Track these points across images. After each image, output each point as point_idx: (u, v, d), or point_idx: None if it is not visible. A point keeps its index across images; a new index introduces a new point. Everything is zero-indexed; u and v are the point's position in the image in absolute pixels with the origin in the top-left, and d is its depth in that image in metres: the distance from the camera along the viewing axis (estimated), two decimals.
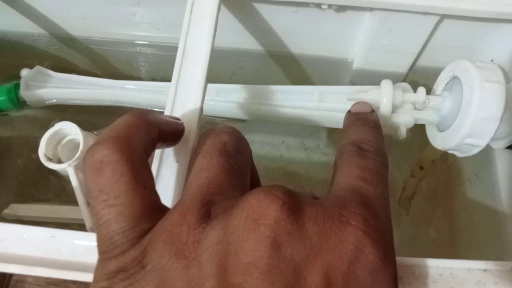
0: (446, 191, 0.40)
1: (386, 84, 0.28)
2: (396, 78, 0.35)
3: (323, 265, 0.14)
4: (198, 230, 0.14)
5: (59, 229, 0.21)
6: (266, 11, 0.32)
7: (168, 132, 0.19)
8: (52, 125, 0.31)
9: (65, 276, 0.20)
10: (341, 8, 0.31)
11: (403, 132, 0.29)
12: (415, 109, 0.29)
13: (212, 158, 0.17)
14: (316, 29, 0.34)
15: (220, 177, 0.17)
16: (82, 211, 0.30)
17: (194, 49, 0.25)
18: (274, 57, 0.38)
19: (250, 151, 0.19)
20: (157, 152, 0.22)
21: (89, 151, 0.15)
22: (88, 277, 0.19)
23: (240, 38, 0.36)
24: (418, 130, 0.30)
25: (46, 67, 0.37)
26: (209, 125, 0.42)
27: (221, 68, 0.39)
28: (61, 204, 0.35)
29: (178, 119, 0.21)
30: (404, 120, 0.28)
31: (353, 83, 0.38)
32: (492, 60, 0.33)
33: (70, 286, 0.43)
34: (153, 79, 0.41)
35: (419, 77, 0.37)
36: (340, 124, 0.23)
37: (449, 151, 0.28)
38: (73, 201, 0.31)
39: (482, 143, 0.26)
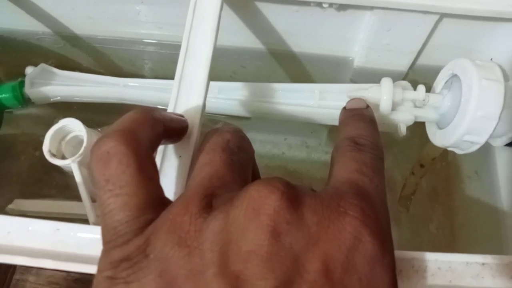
0: (446, 188, 0.41)
1: (386, 82, 0.29)
2: (396, 77, 0.35)
3: (321, 253, 0.14)
4: (200, 220, 0.15)
5: (64, 222, 0.21)
6: (267, 10, 0.33)
7: (172, 128, 0.20)
8: (56, 122, 0.32)
9: (69, 268, 0.20)
10: (341, 7, 0.31)
11: (403, 130, 0.29)
12: (415, 107, 0.29)
13: (215, 154, 0.18)
14: (317, 28, 0.34)
15: (222, 172, 0.17)
16: (86, 207, 0.30)
17: (197, 47, 0.25)
18: (275, 56, 0.39)
19: (252, 151, 0.20)
20: (160, 147, 0.22)
21: (97, 143, 0.16)
22: (92, 269, 0.19)
23: (241, 37, 0.36)
24: (418, 128, 0.31)
25: (50, 65, 0.37)
26: (211, 122, 0.42)
27: (223, 66, 0.40)
28: (64, 200, 0.35)
29: (182, 116, 0.21)
30: (404, 117, 0.29)
31: (353, 81, 0.39)
32: (491, 59, 0.33)
33: (72, 285, 0.43)
34: (156, 77, 0.42)
35: (419, 76, 0.37)
36: None
37: (449, 148, 0.29)
38: (76, 197, 0.31)
39: (480, 140, 0.26)
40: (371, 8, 0.30)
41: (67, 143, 0.32)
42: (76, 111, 0.39)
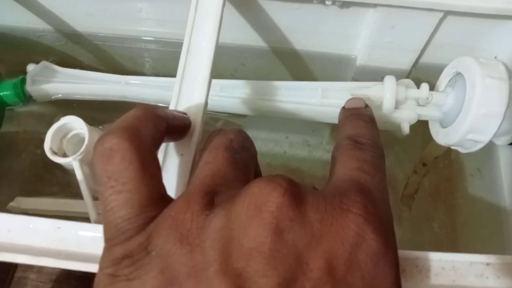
0: (448, 187, 0.40)
1: (389, 80, 0.28)
2: (399, 75, 0.35)
3: (325, 251, 0.14)
4: (201, 217, 0.14)
5: (65, 221, 0.21)
6: (270, 7, 0.33)
7: (175, 126, 0.20)
8: (57, 120, 0.32)
9: (70, 267, 0.20)
10: (344, 5, 0.31)
11: (406, 128, 0.29)
12: (418, 105, 0.29)
13: (218, 153, 0.18)
14: (320, 26, 0.34)
15: (225, 170, 0.17)
16: (87, 205, 0.30)
17: (199, 45, 0.25)
18: (277, 54, 0.38)
19: (255, 152, 0.20)
20: (162, 145, 0.22)
21: (100, 139, 0.16)
22: (93, 268, 0.19)
23: (243, 35, 0.36)
24: (421, 126, 0.30)
25: (51, 62, 0.37)
26: (212, 120, 0.42)
27: (224, 64, 0.40)
28: (65, 198, 0.35)
29: (185, 114, 0.21)
30: (407, 116, 0.29)
31: (355, 80, 0.39)
32: (495, 57, 0.33)
33: (72, 282, 0.43)
34: (157, 75, 0.42)
35: (422, 74, 0.37)
36: None
37: (452, 147, 0.29)
38: (77, 195, 0.31)
39: (484, 139, 0.26)
40: (374, 5, 0.30)
41: (68, 141, 0.31)
42: (77, 109, 0.39)
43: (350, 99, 0.23)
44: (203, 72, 0.24)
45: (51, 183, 0.39)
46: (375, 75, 0.37)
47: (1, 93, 0.35)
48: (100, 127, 0.36)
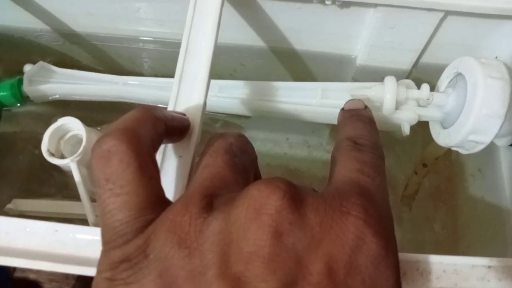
0: (449, 187, 0.40)
1: (389, 80, 0.28)
2: (400, 75, 0.35)
3: (325, 254, 0.14)
4: (199, 220, 0.14)
5: (62, 223, 0.21)
6: (269, 7, 0.32)
7: (174, 127, 0.20)
8: (54, 121, 0.31)
9: (68, 270, 0.20)
10: (344, 4, 0.31)
11: (406, 129, 0.29)
12: (419, 106, 0.29)
13: (217, 156, 0.17)
14: (320, 26, 0.34)
15: (224, 173, 0.17)
16: (85, 206, 0.30)
17: (198, 45, 0.25)
18: (276, 54, 0.38)
19: (255, 156, 0.20)
20: (161, 147, 0.22)
21: (98, 141, 0.15)
22: (91, 271, 0.19)
23: (242, 35, 0.36)
24: (421, 127, 0.30)
25: (49, 62, 0.37)
26: (211, 121, 0.42)
27: (223, 64, 0.39)
28: (63, 199, 0.35)
29: (184, 115, 0.21)
30: (407, 116, 0.28)
31: (355, 80, 0.38)
32: (496, 57, 0.32)
33: (71, 283, 0.43)
34: (155, 75, 0.41)
35: (423, 74, 0.37)
36: None
37: (453, 148, 0.28)
38: (75, 196, 0.31)
39: (486, 140, 0.26)
40: (375, 5, 0.30)
41: (66, 142, 0.31)
42: (75, 109, 0.39)
43: (349, 100, 0.23)
44: (202, 72, 0.24)
45: (49, 184, 0.39)
46: (375, 75, 0.37)
47: None
48: (98, 128, 0.36)
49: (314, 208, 0.15)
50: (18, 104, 0.36)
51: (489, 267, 0.19)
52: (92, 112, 0.39)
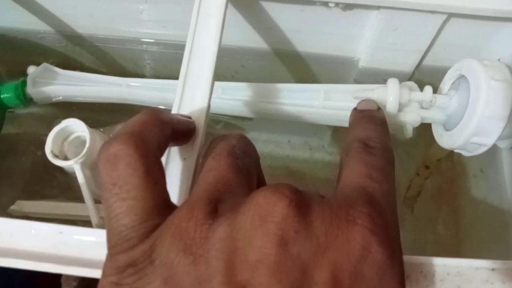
0: (451, 188, 0.40)
1: (392, 82, 0.28)
2: (402, 77, 0.35)
3: (330, 263, 0.14)
4: (205, 226, 0.14)
5: (67, 225, 0.21)
6: (272, 9, 0.32)
7: (180, 131, 0.20)
8: (58, 123, 0.31)
9: (72, 272, 0.20)
10: (348, 7, 0.31)
11: (409, 131, 0.29)
12: (422, 108, 0.29)
13: (220, 159, 0.17)
14: (323, 28, 0.34)
15: (228, 177, 0.17)
16: (89, 208, 0.30)
17: (202, 47, 0.25)
18: (279, 55, 0.38)
19: (257, 157, 0.20)
20: None
21: (105, 145, 0.16)
22: (95, 273, 0.19)
23: (246, 36, 0.36)
24: (423, 129, 0.30)
25: (51, 64, 0.37)
26: (214, 123, 0.42)
27: (225, 66, 0.39)
28: (66, 201, 0.35)
29: (190, 118, 0.21)
30: (410, 119, 0.28)
31: (357, 81, 0.38)
32: (499, 59, 0.32)
33: (71, 284, 0.43)
34: (158, 77, 0.41)
35: (425, 76, 0.37)
36: (346, 123, 0.23)
37: (455, 150, 0.28)
38: (78, 198, 0.31)
39: (488, 142, 0.26)
40: (378, 7, 0.30)
41: (69, 144, 0.31)
42: (78, 111, 0.39)
43: (362, 100, 0.23)
44: (206, 74, 0.24)
45: (52, 186, 0.39)
46: (378, 77, 0.37)
47: (2, 96, 0.35)
48: (101, 129, 0.36)
49: (320, 216, 0.14)
50: (22, 106, 0.36)
51: (493, 269, 0.20)
52: (94, 113, 0.39)
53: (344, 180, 0.17)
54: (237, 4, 0.32)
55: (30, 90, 0.35)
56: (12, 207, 0.34)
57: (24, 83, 0.35)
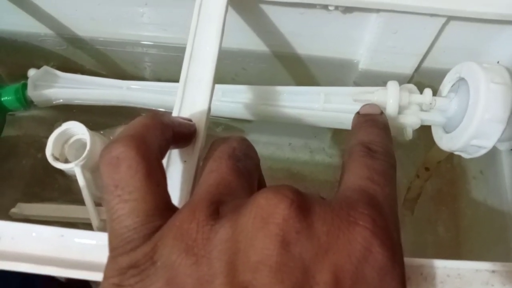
0: (451, 190, 0.40)
1: (392, 85, 0.28)
2: (402, 80, 0.35)
3: (331, 264, 0.14)
4: (207, 227, 0.14)
5: (68, 228, 0.21)
6: (272, 12, 0.33)
7: (181, 133, 0.20)
8: (58, 126, 0.31)
9: (74, 275, 0.20)
10: (347, 10, 0.31)
11: (409, 133, 0.29)
12: (421, 110, 0.29)
13: (221, 162, 0.18)
14: (322, 30, 0.34)
15: (229, 179, 0.17)
16: (89, 211, 0.30)
17: (202, 50, 0.25)
18: (279, 58, 0.38)
19: (258, 160, 0.20)
20: None
21: (106, 148, 0.16)
22: (96, 276, 0.19)
23: (246, 39, 0.36)
24: (423, 131, 0.30)
25: (52, 67, 0.37)
26: (214, 125, 0.42)
27: (225, 69, 0.39)
28: (66, 204, 0.35)
29: (190, 120, 0.21)
30: (410, 121, 0.29)
31: (357, 84, 0.38)
32: (498, 62, 0.33)
33: (72, 286, 0.43)
34: (158, 80, 0.41)
35: (425, 79, 0.37)
36: (346, 125, 0.24)
37: (455, 152, 0.28)
38: (78, 201, 0.31)
39: (488, 144, 0.26)
40: (377, 10, 0.30)
41: (70, 147, 0.31)
42: (77, 113, 0.39)
43: (365, 104, 0.23)
44: (207, 77, 0.24)
45: (52, 188, 0.39)
46: (377, 79, 0.37)
47: (3, 99, 0.35)
48: (101, 132, 0.36)
49: (322, 217, 0.15)
50: (23, 109, 0.36)
51: (493, 271, 0.20)
52: (95, 116, 0.39)
53: (346, 182, 0.17)
54: (238, 7, 0.32)
55: (31, 93, 0.35)
56: (13, 210, 0.34)
57: (24, 86, 0.35)
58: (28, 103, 0.36)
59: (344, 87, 0.31)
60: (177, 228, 0.15)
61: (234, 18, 0.33)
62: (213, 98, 0.24)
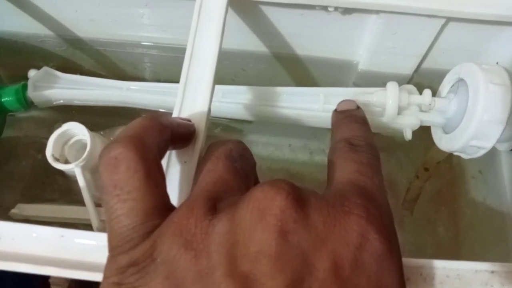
0: (451, 191, 0.40)
1: (392, 86, 0.28)
2: (401, 80, 0.35)
3: (330, 252, 0.14)
4: (205, 222, 0.15)
5: (68, 229, 0.21)
6: (272, 13, 0.33)
7: (180, 134, 0.20)
8: (58, 127, 0.32)
9: (73, 276, 0.20)
10: (347, 11, 0.31)
11: (408, 134, 0.29)
12: (421, 111, 0.29)
13: (218, 162, 0.18)
14: (322, 31, 0.34)
15: (226, 178, 0.17)
16: (89, 211, 0.30)
17: (202, 50, 0.25)
18: (279, 59, 0.38)
19: (254, 162, 0.20)
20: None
21: (106, 148, 0.16)
22: (96, 277, 0.19)
23: (246, 40, 0.36)
24: (423, 131, 0.30)
25: (52, 67, 0.37)
26: (214, 126, 0.42)
27: (225, 69, 0.40)
28: (67, 204, 0.35)
29: (189, 121, 0.22)
30: (409, 122, 0.29)
31: (356, 85, 0.39)
32: (497, 63, 0.33)
33: (71, 286, 0.43)
34: (158, 80, 0.42)
35: (424, 80, 0.37)
36: None
37: (455, 153, 0.29)
38: (78, 201, 0.31)
39: (487, 145, 0.26)
40: (377, 12, 0.30)
41: (70, 147, 0.31)
42: (77, 114, 0.39)
43: (342, 101, 0.24)
44: (207, 78, 0.24)
45: (52, 189, 0.39)
46: (377, 80, 0.37)
47: (3, 99, 0.35)
48: (101, 132, 0.36)
49: (317, 208, 0.15)
50: (23, 110, 0.36)
51: (492, 272, 0.20)
52: (95, 116, 0.39)
53: (336, 178, 0.18)
54: (237, 8, 0.32)
55: (31, 93, 0.35)
56: (13, 211, 0.34)
57: (24, 87, 0.35)
58: (28, 104, 0.36)
59: (343, 88, 0.31)
60: (176, 224, 0.15)
61: (234, 19, 0.33)
62: (213, 99, 0.24)
